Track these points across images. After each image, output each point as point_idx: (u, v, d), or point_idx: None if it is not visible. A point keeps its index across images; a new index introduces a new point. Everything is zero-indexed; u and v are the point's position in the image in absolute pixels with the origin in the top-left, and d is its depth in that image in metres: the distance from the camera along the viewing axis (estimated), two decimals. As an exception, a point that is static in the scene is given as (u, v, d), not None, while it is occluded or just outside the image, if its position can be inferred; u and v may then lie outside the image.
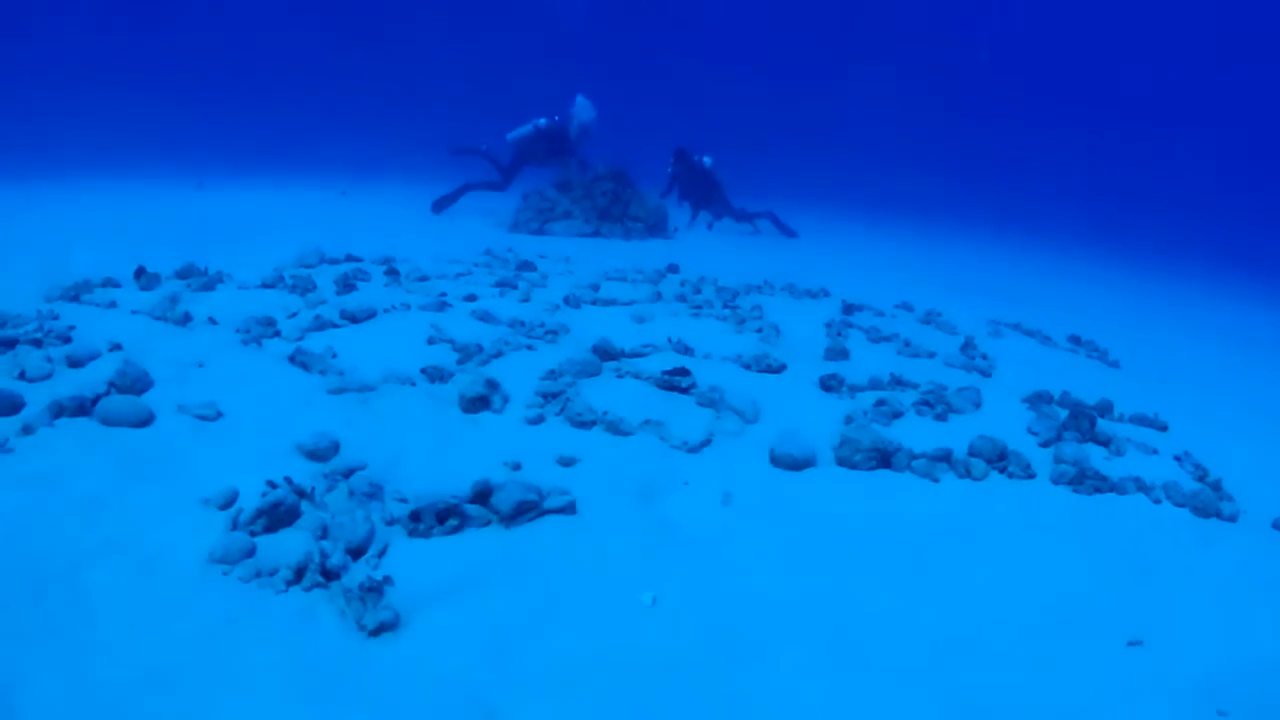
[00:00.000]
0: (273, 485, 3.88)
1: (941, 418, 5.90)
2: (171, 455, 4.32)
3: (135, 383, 4.94)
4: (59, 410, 4.52)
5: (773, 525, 4.14)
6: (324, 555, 3.41)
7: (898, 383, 6.50)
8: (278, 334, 6.31)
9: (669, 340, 7.02)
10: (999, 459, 5.04)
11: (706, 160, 16.28)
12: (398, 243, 11.00)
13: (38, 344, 5.55)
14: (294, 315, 6.87)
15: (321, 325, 6.57)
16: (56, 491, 3.85)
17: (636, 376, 6.09)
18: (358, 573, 3.41)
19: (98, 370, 5.24)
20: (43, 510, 3.69)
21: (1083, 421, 5.73)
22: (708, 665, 3.05)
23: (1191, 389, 8.14)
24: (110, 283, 7.35)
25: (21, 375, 5.01)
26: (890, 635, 3.35)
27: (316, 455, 4.42)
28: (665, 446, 4.93)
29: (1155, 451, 5.71)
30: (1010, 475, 4.95)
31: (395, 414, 5.11)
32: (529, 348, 6.59)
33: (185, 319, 6.44)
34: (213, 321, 6.51)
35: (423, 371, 5.71)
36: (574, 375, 5.91)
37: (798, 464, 4.79)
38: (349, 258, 9.42)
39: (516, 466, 4.53)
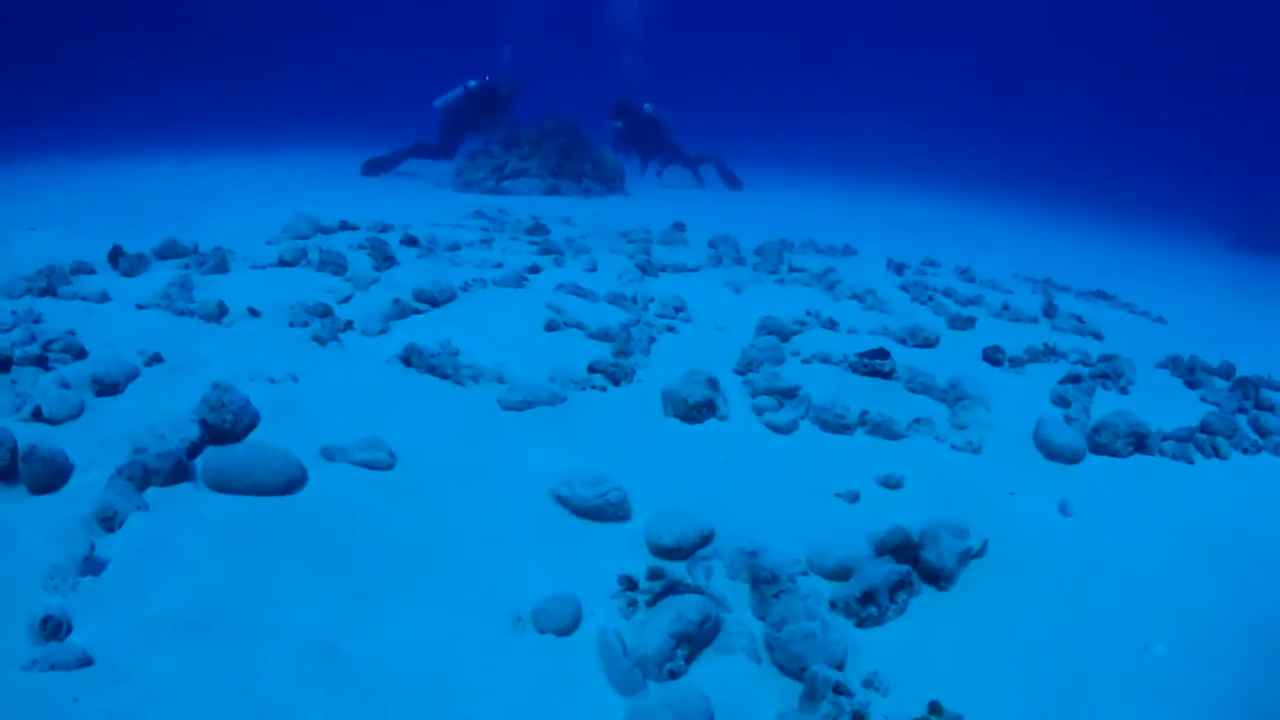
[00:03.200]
0: (631, 584, 2.61)
1: (1124, 391, 5.21)
2: (380, 544, 2.85)
3: (240, 418, 3.41)
4: (143, 476, 2.97)
5: (1125, 529, 3.50)
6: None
7: (1050, 352, 5.73)
8: (349, 326, 4.88)
9: (808, 314, 5.94)
10: (1231, 434, 4.47)
11: (647, 107, 15.30)
12: (365, 208, 9.43)
13: (41, 363, 4.00)
14: (347, 299, 5.39)
15: (403, 312, 5.17)
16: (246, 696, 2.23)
17: (826, 360, 4.98)
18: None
19: (145, 397, 3.80)
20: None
21: (1249, 389, 5.15)
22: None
23: (1241, 345, 7.42)
24: (82, 268, 5.73)
25: (37, 415, 3.49)
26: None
27: (668, 548, 2.87)
28: (945, 448, 4.05)
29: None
30: (1247, 451, 4.40)
31: (613, 434, 3.83)
32: (670, 329, 5.38)
33: (220, 311, 4.92)
34: (254, 313, 5.04)
35: (592, 370, 4.43)
36: (769, 362, 4.76)
37: (1076, 455, 4.08)
38: (344, 225, 7.87)
39: (854, 498, 3.42)
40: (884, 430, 4.03)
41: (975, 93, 41.55)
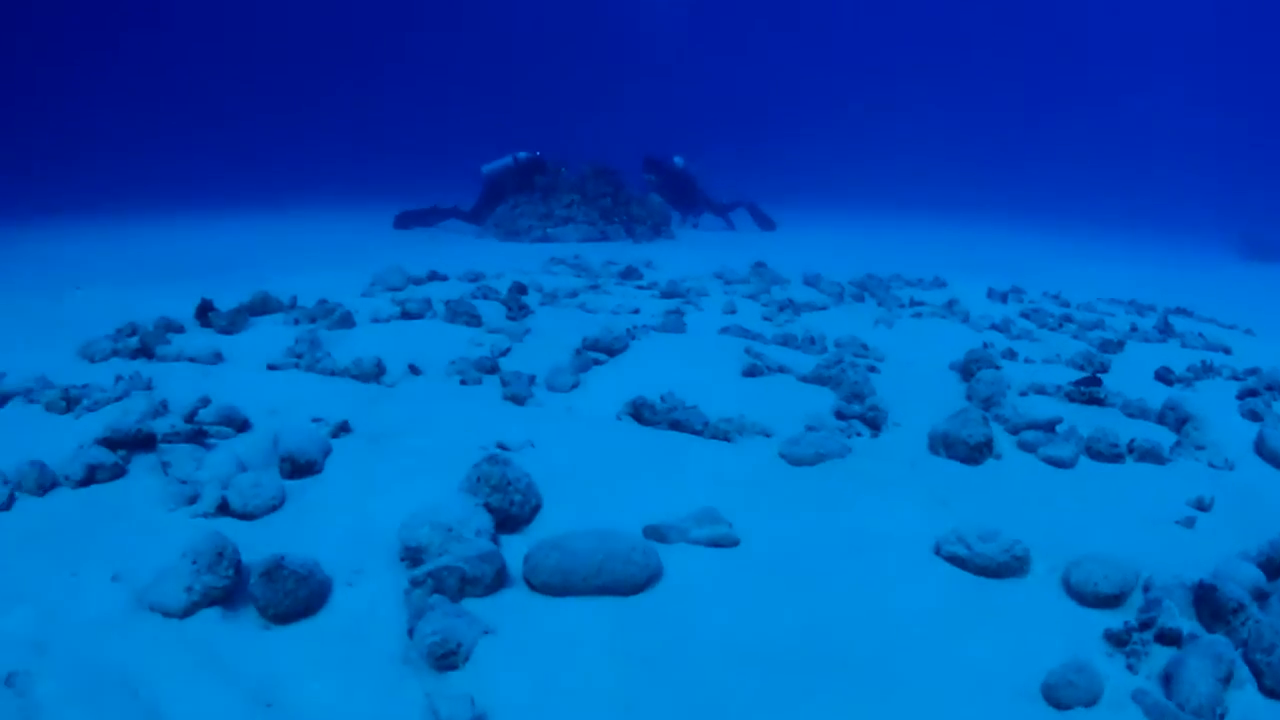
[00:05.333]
0: (1121, 638, 2.27)
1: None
2: (794, 640, 2.26)
3: (528, 498, 2.80)
4: (458, 587, 2.36)
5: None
6: None
7: (1208, 369, 5.38)
8: (533, 380, 4.31)
9: (984, 346, 5.42)
10: None
11: (678, 160, 15.04)
12: (432, 259, 8.82)
13: (198, 438, 3.39)
14: (506, 352, 4.82)
15: (586, 364, 4.57)
16: None
17: (1040, 391, 4.59)
18: None
19: (354, 475, 3.21)
20: None
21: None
22: None
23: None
24: (170, 326, 5.13)
25: (225, 509, 2.90)
26: None
27: (1109, 596, 2.53)
28: (1203, 467, 3.77)
29: None
30: None
31: (918, 482, 3.30)
32: (872, 369, 4.82)
33: (378, 369, 4.33)
34: (415, 370, 4.43)
35: (841, 416, 3.85)
36: (995, 396, 4.28)
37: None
38: (433, 275, 7.30)
39: (1190, 523, 3.14)
40: (1152, 456, 3.72)
41: (971, 116, 41.58)
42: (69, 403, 3.94)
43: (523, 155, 13.39)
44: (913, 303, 7.24)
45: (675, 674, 2.12)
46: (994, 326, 6.41)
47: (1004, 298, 7.97)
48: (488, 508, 2.70)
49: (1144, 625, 2.36)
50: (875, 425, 3.81)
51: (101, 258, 9.55)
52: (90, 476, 3.15)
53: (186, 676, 2.11)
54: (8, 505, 2.98)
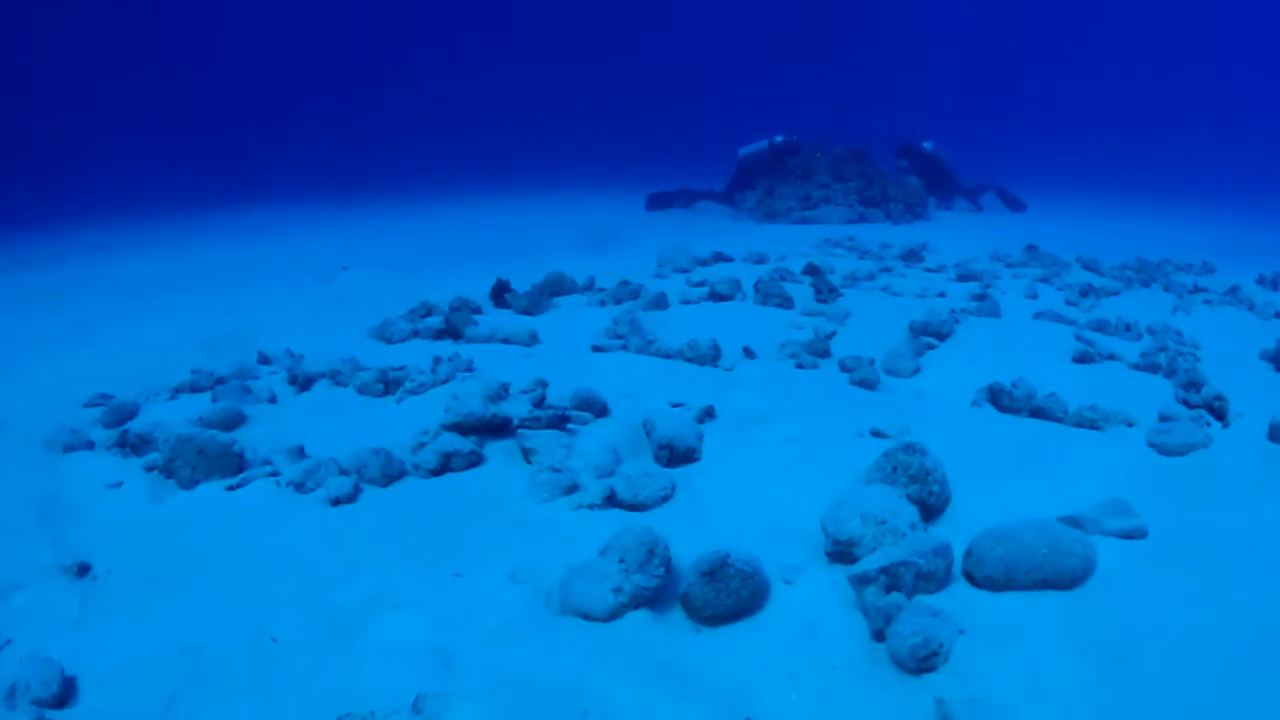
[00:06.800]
0: None
1: None
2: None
3: (944, 488, 2.78)
4: (912, 583, 2.28)
5: None
6: None
7: None
8: (872, 363, 4.31)
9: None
10: None
11: (928, 145, 14.90)
12: (708, 239, 9.11)
13: (560, 423, 3.33)
14: (831, 335, 4.86)
15: (920, 350, 4.64)
16: None
17: None
18: None
19: (732, 465, 3.20)
20: None
21: None
22: None
23: None
24: (466, 305, 5.43)
25: (613, 500, 2.83)
26: None
27: None
28: None
29: None
30: None
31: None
32: (1194, 357, 4.74)
33: (715, 352, 4.43)
34: (749, 353, 4.54)
35: (1189, 405, 3.85)
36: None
37: None
38: (718, 256, 7.63)
39: None
40: None
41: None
42: (387, 385, 3.97)
43: (779, 138, 13.55)
44: (1196, 289, 7.06)
45: (1147, 671, 2.03)
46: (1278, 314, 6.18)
47: (1274, 284, 7.64)
48: (908, 499, 2.64)
49: None
50: (1221, 415, 3.78)
51: (359, 241, 10.21)
52: (445, 465, 3.08)
53: (635, 689, 1.97)
54: (353, 497, 2.93)
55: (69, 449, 3.45)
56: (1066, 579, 2.34)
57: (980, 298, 5.94)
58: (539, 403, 3.54)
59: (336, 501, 2.90)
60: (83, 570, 2.55)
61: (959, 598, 2.31)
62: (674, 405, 3.72)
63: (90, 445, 3.49)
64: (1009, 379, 3.99)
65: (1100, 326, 5.28)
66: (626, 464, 3.04)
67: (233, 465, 3.14)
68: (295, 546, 2.68)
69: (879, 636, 2.12)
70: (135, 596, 2.43)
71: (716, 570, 2.19)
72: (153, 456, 3.25)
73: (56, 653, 2.07)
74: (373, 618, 2.27)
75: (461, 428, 3.23)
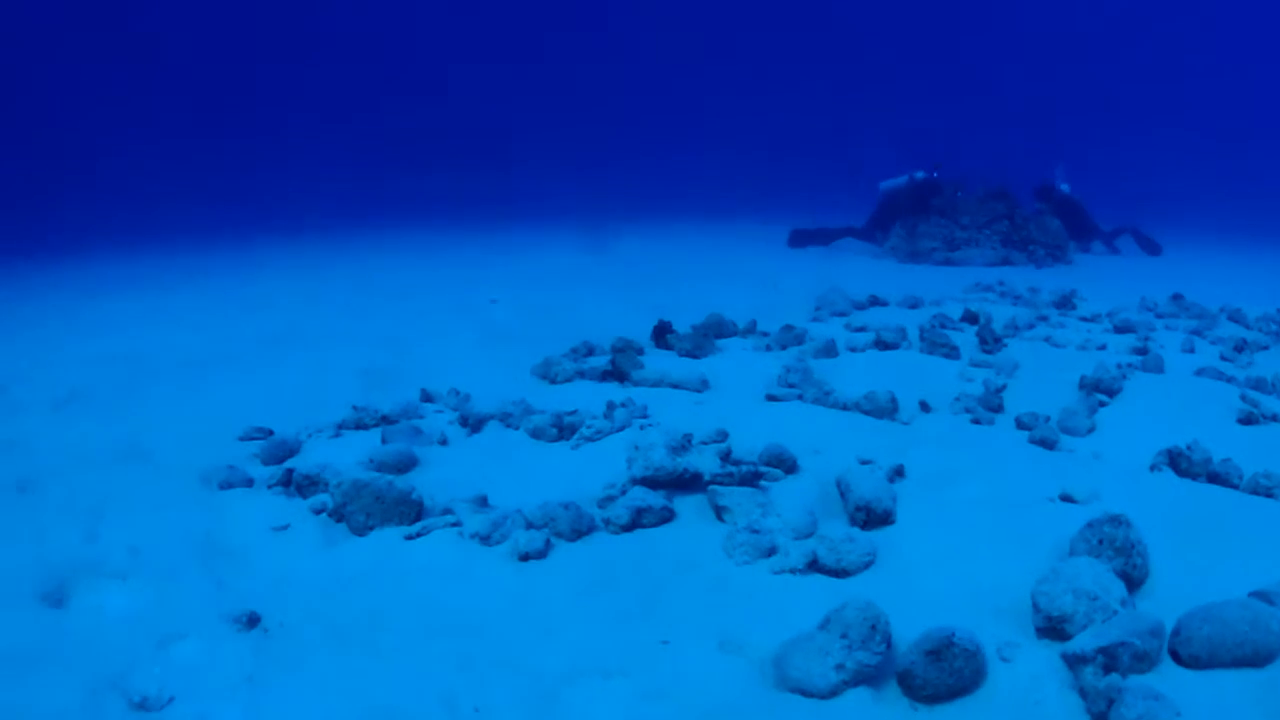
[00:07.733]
0: None
1: None
2: None
3: (1145, 562, 2.67)
4: (1129, 662, 2.20)
5: None
6: None
7: None
8: (1047, 420, 4.17)
9: None
10: None
11: (1064, 188, 14.49)
12: (849, 281, 8.90)
13: (753, 479, 3.23)
14: (1002, 389, 4.63)
15: (1093, 407, 4.46)
16: None
17: None
18: None
19: (931, 529, 3.04)
20: None
21: None
22: None
23: None
24: (629, 346, 5.35)
25: (816, 565, 2.74)
26: None
27: None
28: None
29: None
30: None
31: None
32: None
33: (893, 406, 4.24)
34: (925, 407, 4.41)
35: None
36: None
37: None
38: (874, 300, 7.50)
39: None
40: None
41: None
42: (561, 430, 3.87)
43: (919, 174, 13.32)
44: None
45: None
46: None
47: None
48: (1114, 572, 2.55)
49: None
50: None
51: (501, 269, 10.25)
52: (636, 520, 3.00)
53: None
54: (543, 553, 2.82)
55: (226, 485, 3.41)
56: (1264, 656, 2.29)
57: (1141, 351, 5.72)
58: (725, 455, 3.41)
59: (525, 557, 2.81)
60: (252, 621, 2.48)
61: (1168, 677, 2.23)
62: (863, 462, 3.60)
63: (249, 483, 3.46)
64: (1181, 440, 3.81)
65: (1258, 385, 5.01)
66: (824, 525, 2.95)
67: (411, 513, 3.10)
68: (484, 604, 2.60)
69: (1099, 719, 2.08)
70: (312, 652, 2.35)
71: (941, 650, 2.13)
72: (321, 498, 3.22)
73: (228, 716, 2.02)
74: (579, 685, 2.19)
75: (651, 481, 3.16)
